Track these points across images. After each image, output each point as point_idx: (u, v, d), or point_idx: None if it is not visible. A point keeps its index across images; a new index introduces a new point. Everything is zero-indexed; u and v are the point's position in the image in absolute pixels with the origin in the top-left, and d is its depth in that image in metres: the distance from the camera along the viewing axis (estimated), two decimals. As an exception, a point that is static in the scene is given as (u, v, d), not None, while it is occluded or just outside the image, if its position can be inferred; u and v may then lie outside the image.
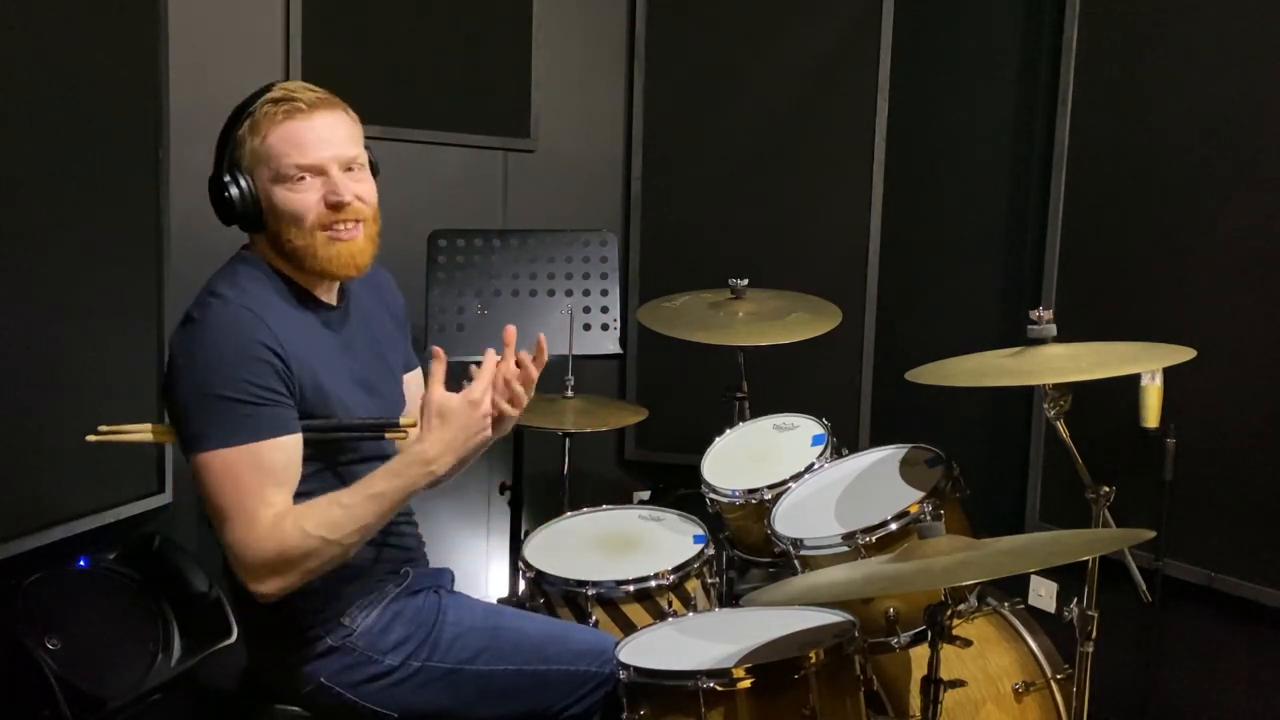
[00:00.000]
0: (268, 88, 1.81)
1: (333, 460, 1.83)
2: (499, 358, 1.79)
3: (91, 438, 1.89)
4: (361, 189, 1.83)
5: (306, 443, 1.77)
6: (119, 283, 2.64)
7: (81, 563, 2.50)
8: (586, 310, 3.16)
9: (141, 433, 1.91)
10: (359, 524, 1.72)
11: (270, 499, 1.70)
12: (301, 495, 1.76)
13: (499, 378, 1.78)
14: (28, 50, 2.36)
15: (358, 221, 1.82)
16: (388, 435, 1.91)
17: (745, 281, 2.83)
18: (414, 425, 1.86)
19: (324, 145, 1.78)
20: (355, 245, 1.82)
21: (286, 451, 1.73)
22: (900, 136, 3.45)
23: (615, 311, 3.18)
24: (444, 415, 1.72)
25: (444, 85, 3.43)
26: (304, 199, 1.78)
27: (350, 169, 1.82)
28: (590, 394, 2.91)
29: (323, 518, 1.70)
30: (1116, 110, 2.83)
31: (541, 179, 3.66)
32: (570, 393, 2.80)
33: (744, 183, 3.62)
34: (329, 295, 1.90)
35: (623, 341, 3.31)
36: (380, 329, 2.01)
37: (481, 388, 1.75)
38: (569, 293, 3.16)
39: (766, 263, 3.38)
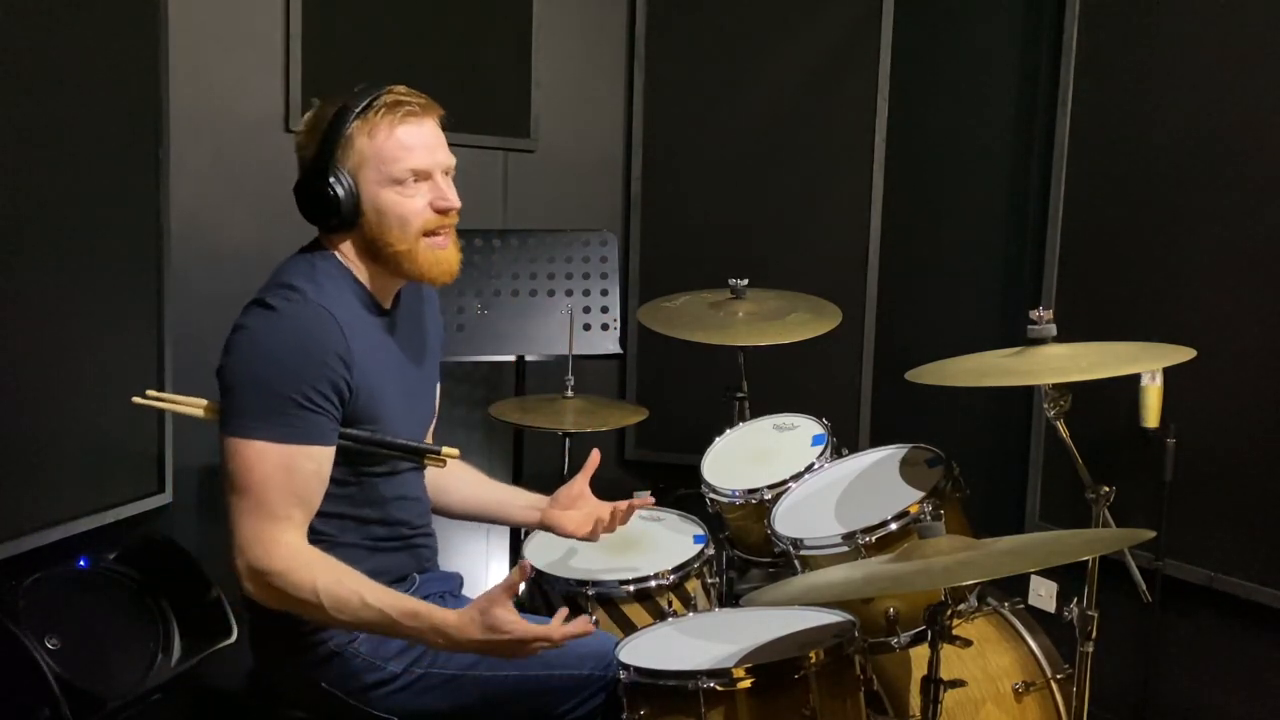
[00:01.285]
0: (370, 90, 1.81)
1: (365, 469, 1.84)
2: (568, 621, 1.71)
3: (138, 400, 1.90)
4: (456, 197, 1.86)
5: (345, 450, 1.79)
6: (119, 283, 2.64)
7: (81, 563, 2.50)
8: (586, 310, 3.16)
9: (193, 407, 1.90)
10: (359, 621, 1.71)
11: (293, 514, 1.72)
12: (330, 497, 1.78)
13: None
14: (28, 50, 2.36)
15: (450, 229, 1.86)
16: (426, 461, 1.94)
17: (745, 281, 2.83)
18: (455, 456, 1.91)
19: (435, 151, 1.82)
20: (450, 253, 1.86)
21: (317, 462, 1.74)
22: (900, 136, 3.45)
23: (615, 311, 3.18)
24: (494, 629, 1.65)
25: (444, 85, 3.40)
26: (413, 204, 1.80)
27: (449, 175, 1.86)
28: (590, 394, 2.91)
29: (337, 590, 1.69)
30: (1116, 110, 2.83)
31: (541, 179, 3.66)
32: (570, 393, 2.80)
33: (744, 183, 3.62)
34: (389, 300, 1.92)
35: (623, 341, 3.32)
36: (423, 338, 2.02)
37: (540, 634, 1.67)
38: (569, 293, 3.16)
39: (766, 263, 3.38)
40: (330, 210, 1.79)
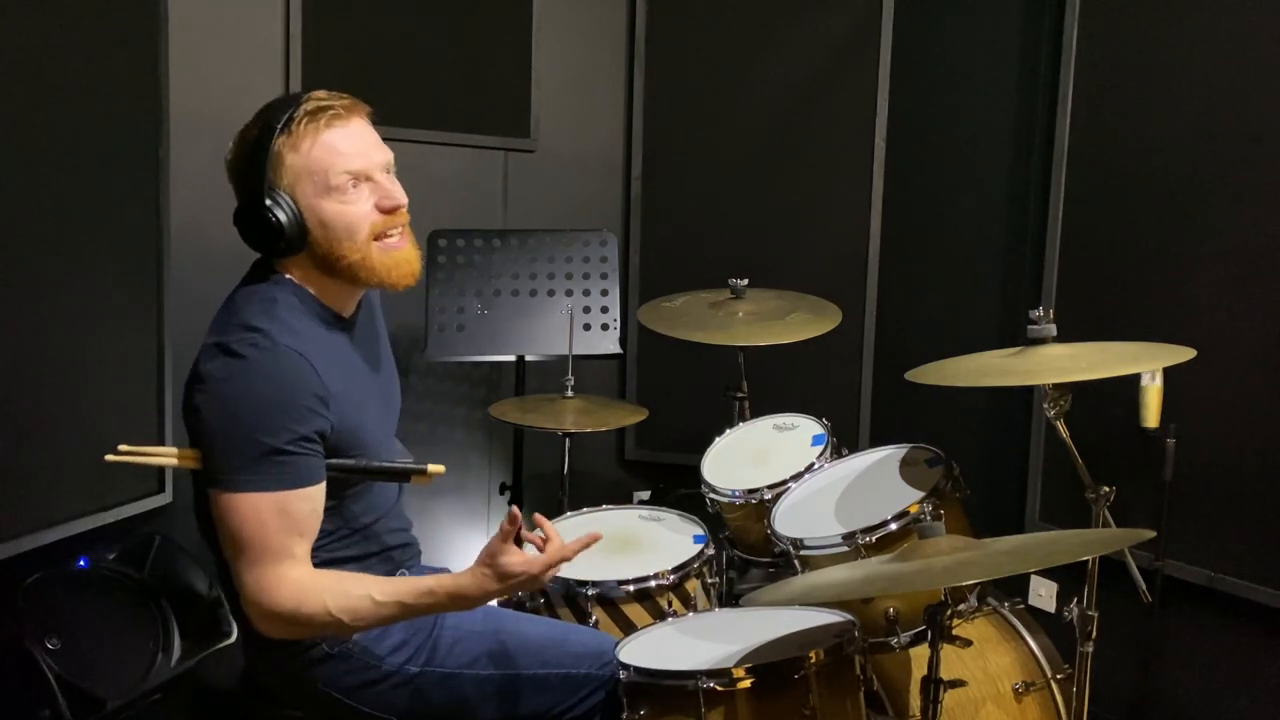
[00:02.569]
0: (290, 100, 1.74)
1: (342, 492, 1.81)
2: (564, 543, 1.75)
3: (111, 458, 1.81)
4: (401, 193, 1.80)
5: (331, 480, 1.76)
6: (119, 283, 2.64)
7: (81, 563, 2.51)
8: (586, 310, 3.17)
9: (166, 456, 1.83)
10: (379, 618, 1.72)
11: (294, 549, 1.70)
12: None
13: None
14: (28, 50, 2.36)
15: (403, 227, 1.79)
16: (413, 480, 1.88)
17: (745, 281, 2.83)
18: (440, 472, 1.84)
19: (369, 150, 1.75)
20: (408, 252, 1.80)
21: (312, 501, 1.72)
22: (900, 136, 3.45)
23: (615, 311, 3.18)
24: (507, 575, 1.68)
25: (444, 85, 3.43)
26: (357, 209, 1.74)
27: (390, 172, 1.80)
28: (590, 394, 2.91)
29: (348, 602, 1.69)
30: (1116, 110, 2.83)
31: (541, 179, 3.66)
32: (570, 393, 2.80)
33: (744, 182, 3.62)
34: (351, 309, 1.86)
35: (623, 341, 3.32)
36: (382, 335, 2.01)
37: (553, 559, 1.70)
38: (569, 293, 3.17)
39: (766, 263, 3.38)
40: (276, 236, 1.71)
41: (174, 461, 1.81)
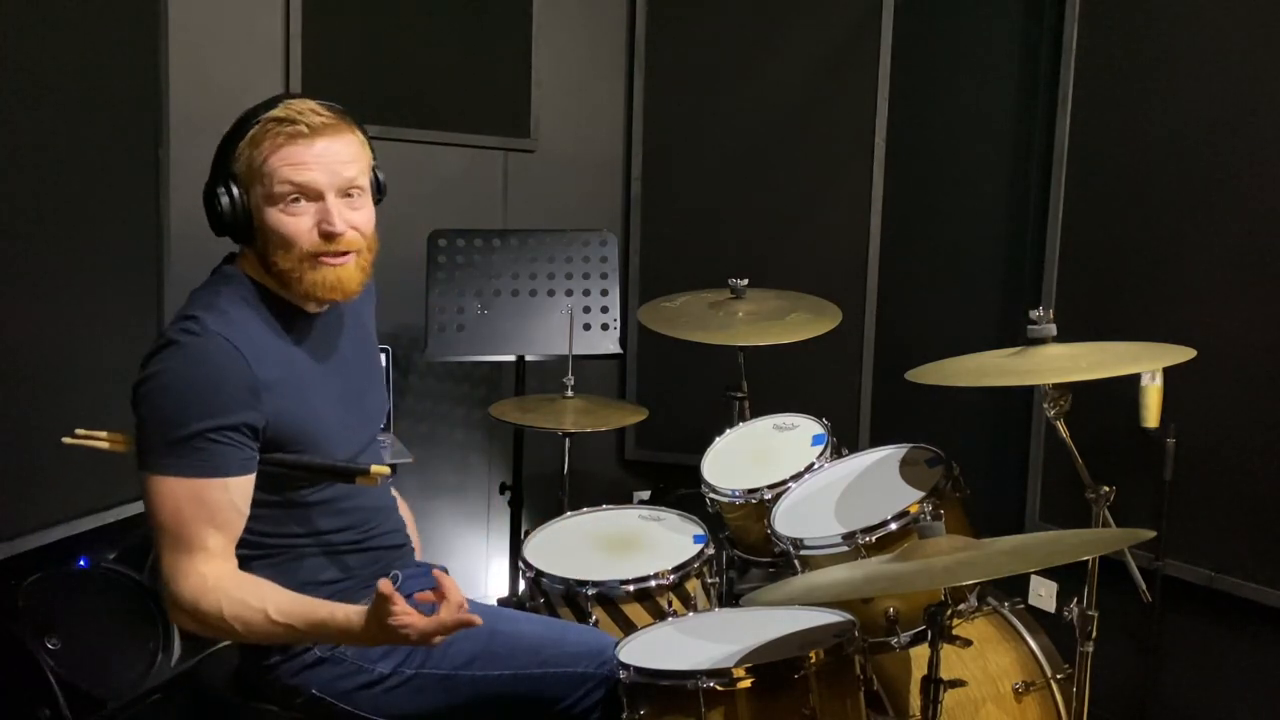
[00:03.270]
0: (273, 101, 1.75)
1: (295, 491, 1.80)
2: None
3: (67, 440, 1.87)
4: (358, 218, 1.76)
5: (267, 473, 1.75)
6: (119, 283, 2.65)
7: (81, 563, 2.51)
8: (586, 310, 3.17)
9: (114, 442, 1.89)
10: (268, 635, 1.70)
11: (206, 541, 1.69)
12: (272, 517, 1.77)
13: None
14: (28, 50, 2.36)
15: (348, 252, 1.77)
16: (357, 481, 1.82)
17: (745, 281, 2.83)
18: (385, 473, 1.80)
19: (322, 170, 1.72)
20: (344, 271, 1.76)
21: (230, 493, 1.70)
22: (900, 136, 3.45)
23: (615, 311, 3.18)
24: (384, 628, 1.63)
25: (444, 85, 3.43)
26: (297, 224, 1.72)
27: (349, 194, 1.75)
28: (590, 394, 2.91)
29: (243, 612, 1.68)
30: (1116, 110, 2.83)
31: (541, 179, 3.66)
32: (570, 393, 2.80)
33: (744, 182, 3.62)
34: (312, 305, 1.85)
35: (623, 341, 3.32)
36: (363, 332, 1.99)
37: (432, 628, 1.64)
38: (569, 293, 3.17)
39: (766, 263, 3.38)
40: (221, 224, 1.75)
41: (122, 448, 1.85)
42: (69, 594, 2.42)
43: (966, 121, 3.30)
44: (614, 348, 3.20)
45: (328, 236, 1.73)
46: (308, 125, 1.71)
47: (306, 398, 1.79)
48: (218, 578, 1.69)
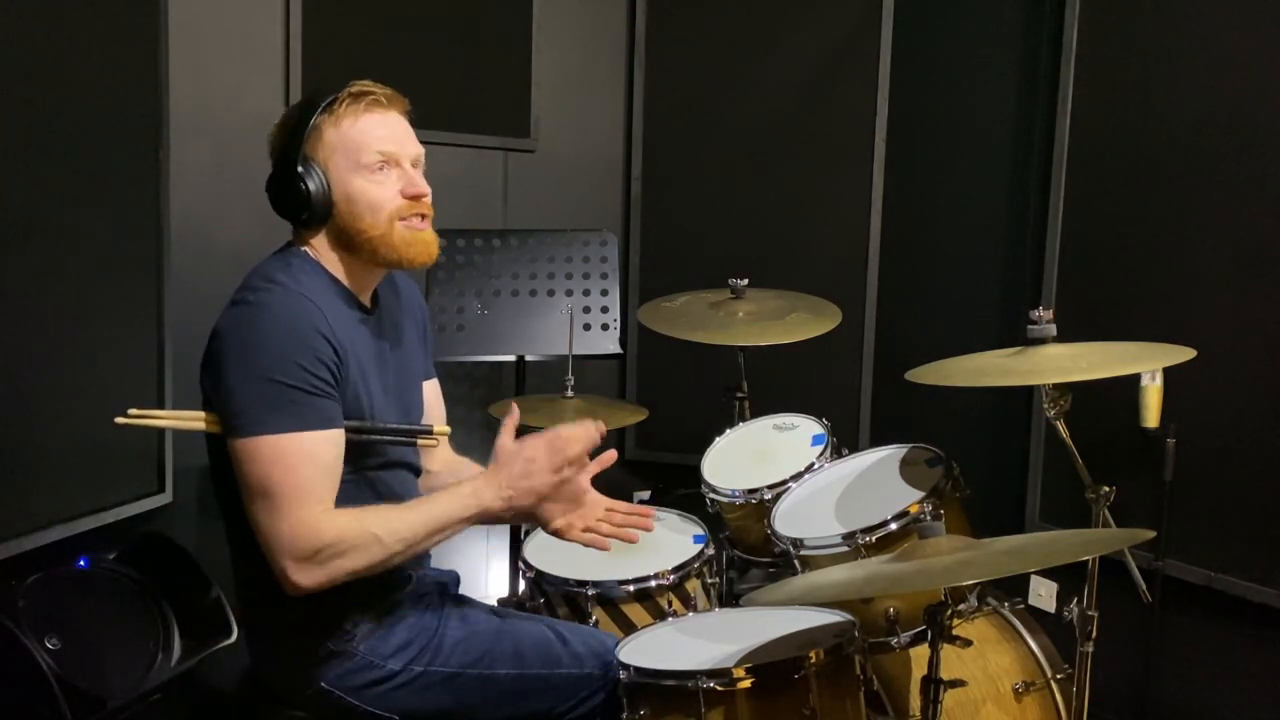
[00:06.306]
0: (323, 92, 1.83)
1: (361, 463, 1.82)
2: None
3: (120, 420, 1.81)
4: (427, 185, 1.86)
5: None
6: (119, 283, 2.64)
7: (81, 563, 2.50)
8: (586, 310, 3.16)
9: (181, 420, 1.82)
10: (413, 533, 1.71)
11: (323, 494, 1.69)
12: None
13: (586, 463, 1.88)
14: (28, 50, 2.36)
15: (425, 216, 1.85)
16: (420, 443, 1.93)
17: (745, 281, 2.83)
18: (446, 434, 1.92)
19: (402, 140, 1.83)
20: (428, 235, 1.86)
21: (334, 445, 1.73)
22: (900, 136, 3.45)
23: (615, 311, 3.18)
24: (503, 462, 1.81)
25: (444, 85, 3.43)
26: (383, 189, 1.80)
27: (417, 166, 1.86)
28: (590, 394, 2.91)
29: (379, 519, 1.70)
30: (1116, 110, 2.83)
31: (541, 179, 3.66)
32: (570, 393, 2.80)
33: (744, 182, 3.62)
34: (368, 299, 1.91)
35: (623, 341, 3.32)
36: (406, 337, 2.01)
37: (553, 457, 1.84)
38: (569, 293, 3.16)
39: (766, 263, 3.38)
40: (302, 203, 1.78)
41: (201, 425, 1.78)
42: (69, 594, 2.42)
43: (966, 122, 3.30)
44: (614, 348, 3.20)
45: (415, 197, 1.82)
46: (384, 97, 1.83)
47: (365, 373, 1.83)
48: (348, 513, 1.70)
